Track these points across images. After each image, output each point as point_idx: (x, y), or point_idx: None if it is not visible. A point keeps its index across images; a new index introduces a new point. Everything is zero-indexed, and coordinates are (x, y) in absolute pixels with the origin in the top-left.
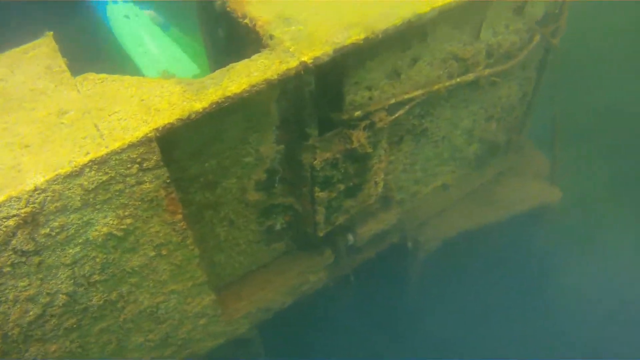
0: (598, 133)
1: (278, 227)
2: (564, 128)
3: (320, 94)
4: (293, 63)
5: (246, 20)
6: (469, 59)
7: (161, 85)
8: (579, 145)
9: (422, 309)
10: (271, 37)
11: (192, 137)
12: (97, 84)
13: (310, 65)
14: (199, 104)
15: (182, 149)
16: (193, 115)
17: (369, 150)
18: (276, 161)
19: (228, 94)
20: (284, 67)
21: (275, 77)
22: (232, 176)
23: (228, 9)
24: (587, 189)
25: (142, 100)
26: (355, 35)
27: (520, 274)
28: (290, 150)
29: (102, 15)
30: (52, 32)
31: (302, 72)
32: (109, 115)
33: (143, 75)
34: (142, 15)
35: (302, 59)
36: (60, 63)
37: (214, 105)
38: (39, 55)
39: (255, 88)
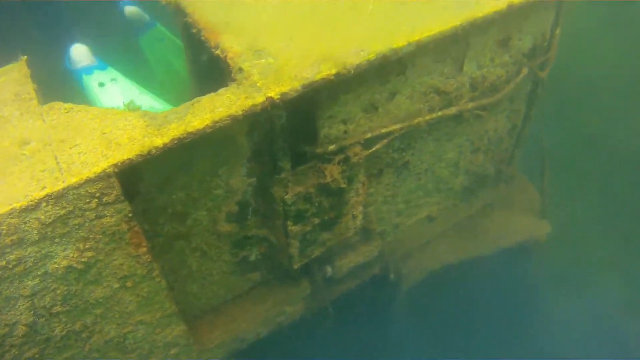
0: (589, 164)
1: (253, 258)
2: (554, 159)
3: (293, 127)
4: (259, 99)
5: (218, 51)
6: (452, 92)
7: (125, 118)
8: (569, 177)
9: (404, 343)
10: (240, 70)
11: (157, 170)
12: (62, 114)
13: (278, 101)
14: (160, 140)
15: (147, 181)
16: (154, 151)
17: (343, 185)
18: (248, 193)
19: (190, 129)
20: (249, 102)
21: (240, 112)
22: (202, 208)
23: (203, 38)
24: (577, 223)
25: (104, 133)
26: (326, 71)
27: (506, 309)
28: (263, 183)
29: (80, 84)
30: (26, 57)
31: (268, 107)
32: (70, 148)
33: None
34: (118, 80)
35: (269, 95)
36: (30, 90)
37: (176, 141)
38: (9, 81)
39: (218, 124)
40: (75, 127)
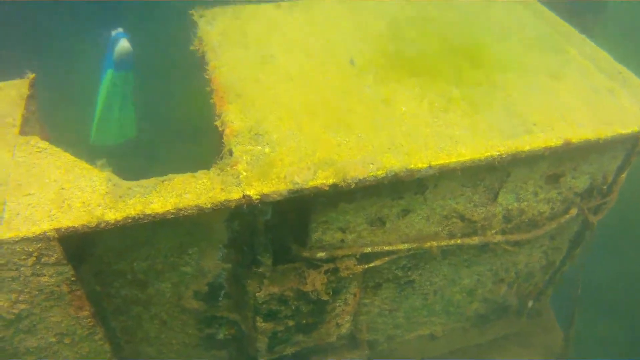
0: (623, 308)
1: (221, 336)
2: (587, 299)
3: (280, 223)
4: (235, 195)
5: (218, 122)
6: (479, 221)
7: (90, 177)
8: (600, 320)
9: None
10: (230, 152)
11: (115, 238)
12: (33, 153)
13: (257, 201)
14: (113, 215)
15: (104, 246)
16: (103, 225)
17: (325, 297)
18: (222, 277)
19: (148, 211)
20: (222, 196)
21: (209, 205)
22: (167, 281)
23: (211, 100)
24: None
25: (63, 188)
26: (322, 179)
27: None
28: (238, 271)
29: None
30: (33, 75)
31: (244, 206)
32: (23, 196)
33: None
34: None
35: (247, 193)
36: (17, 115)
37: (130, 220)
38: (2, 99)
39: (182, 212)
40: (38, 173)
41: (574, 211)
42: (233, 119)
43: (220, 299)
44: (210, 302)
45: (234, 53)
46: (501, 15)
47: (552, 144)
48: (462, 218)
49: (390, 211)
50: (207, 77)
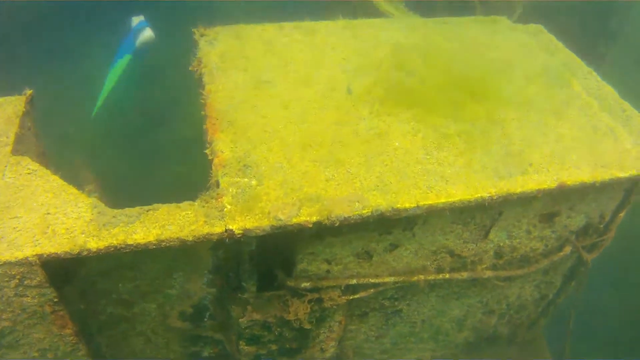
0: (616, 342)
1: (205, 354)
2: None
3: (265, 252)
4: (218, 228)
5: (208, 150)
6: (469, 257)
7: (77, 202)
8: (594, 352)
9: None
10: (217, 183)
11: (99, 262)
12: (23, 174)
13: (239, 236)
14: (95, 244)
15: (88, 268)
16: (85, 252)
17: (307, 326)
18: (207, 299)
19: (130, 242)
20: (205, 229)
21: (191, 238)
22: (152, 301)
23: (204, 126)
24: None
25: (49, 213)
26: (305, 217)
27: None
28: (223, 295)
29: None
30: (31, 91)
31: (226, 240)
32: (9, 219)
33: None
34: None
35: (230, 227)
36: (11, 133)
37: (112, 249)
38: None
39: (164, 243)
40: (26, 196)
41: (568, 249)
42: (223, 148)
43: (205, 319)
44: (195, 322)
45: (232, 77)
46: (508, 44)
47: (546, 187)
48: (451, 253)
49: (378, 245)
50: (202, 101)
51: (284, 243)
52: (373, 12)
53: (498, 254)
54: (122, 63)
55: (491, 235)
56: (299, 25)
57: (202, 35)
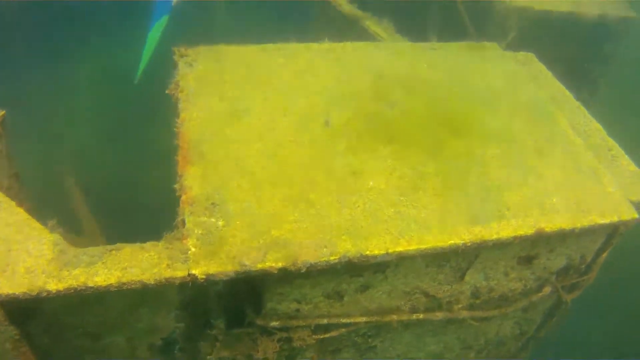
0: None
1: None
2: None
3: (233, 291)
4: (180, 272)
5: (177, 185)
6: (445, 297)
7: (39, 238)
8: None
9: None
10: (182, 222)
11: (63, 299)
12: None
13: (202, 280)
14: (54, 285)
15: (52, 305)
16: (44, 294)
17: None
18: (175, 333)
19: (90, 284)
20: (167, 273)
21: (152, 282)
22: (120, 334)
23: (176, 157)
24: None
25: (10, 250)
26: (271, 262)
27: None
28: (192, 330)
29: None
30: (3, 112)
31: (189, 284)
32: None
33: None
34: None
35: (193, 272)
36: None
37: (72, 291)
38: None
39: (125, 286)
40: None
41: (547, 289)
42: (192, 183)
43: (175, 352)
44: (165, 355)
45: (207, 103)
46: (495, 74)
47: (523, 233)
48: (426, 294)
49: (349, 286)
50: (175, 129)
51: (252, 283)
52: (362, 33)
53: (475, 294)
54: (159, 25)
55: (467, 277)
56: (282, 47)
57: (182, 56)
